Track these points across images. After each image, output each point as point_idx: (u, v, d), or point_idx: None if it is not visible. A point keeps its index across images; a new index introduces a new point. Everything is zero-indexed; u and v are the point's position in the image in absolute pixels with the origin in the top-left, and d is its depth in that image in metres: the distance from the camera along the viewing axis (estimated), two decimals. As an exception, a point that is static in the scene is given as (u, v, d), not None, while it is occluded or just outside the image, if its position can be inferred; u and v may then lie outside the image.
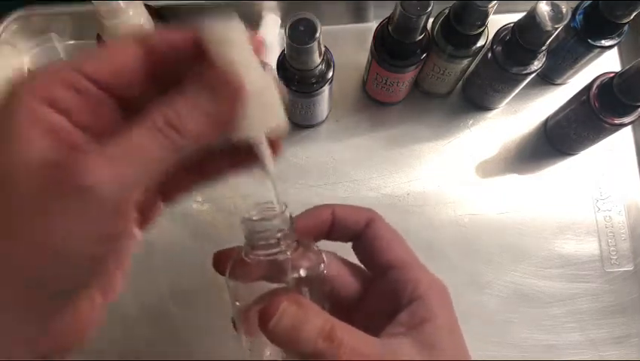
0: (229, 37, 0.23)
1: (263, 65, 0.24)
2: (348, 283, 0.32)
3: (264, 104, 0.23)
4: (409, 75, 0.48)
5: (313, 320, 0.25)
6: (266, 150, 0.24)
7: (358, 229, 0.31)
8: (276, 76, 0.45)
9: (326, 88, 0.45)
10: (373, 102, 0.55)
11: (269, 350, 0.29)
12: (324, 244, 0.32)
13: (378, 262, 0.31)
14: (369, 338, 0.26)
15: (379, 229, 0.31)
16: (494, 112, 0.56)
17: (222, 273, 0.29)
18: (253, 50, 0.23)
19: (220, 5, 0.54)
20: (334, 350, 0.25)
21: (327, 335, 0.25)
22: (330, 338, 0.25)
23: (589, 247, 0.53)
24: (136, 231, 0.24)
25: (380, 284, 0.30)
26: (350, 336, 0.25)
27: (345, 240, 0.33)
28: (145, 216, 0.25)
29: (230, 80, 0.21)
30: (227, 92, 0.21)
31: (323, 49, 0.41)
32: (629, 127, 0.54)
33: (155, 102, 0.20)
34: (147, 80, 0.22)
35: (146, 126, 0.20)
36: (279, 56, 0.44)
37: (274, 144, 0.25)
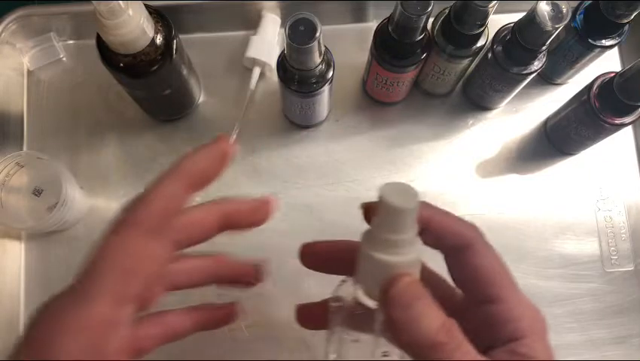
0: None
1: None
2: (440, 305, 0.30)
3: None
4: (409, 75, 0.48)
5: (436, 312, 0.24)
6: None
7: (456, 247, 0.28)
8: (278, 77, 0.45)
9: (326, 88, 0.45)
10: (373, 102, 0.55)
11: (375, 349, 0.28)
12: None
13: (476, 293, 0.28)
14: (478, 353, 0.25)
15: (482, 257, 0.28)
16: (494, 112, 0.56)
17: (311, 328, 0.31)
18: None
19: (220, 5, 0.54)
20: (452, 349, 0.24)
21: (449, 330, 0.24)
22: (451, 335, 0.24)
23: (590, 247, 0.53)
24: None
25: (475, 313, 0.28)
26: (466, 341, 0.24)
27: (436, 248, 0.30)
28: None
29: None
30: None
31: (323, 49, 0.41)
32: (630, 127, 0.54)
33: None
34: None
35: None
36: (279, 56, 0.44)
37: None
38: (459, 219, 0.29)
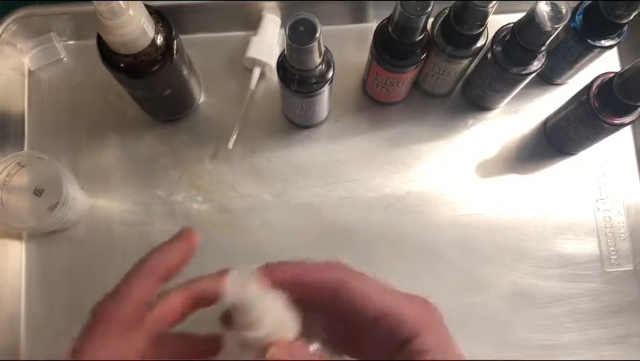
0: None
1: None
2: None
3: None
4: (409, 75, 0.48)
5: None
6: None
7: (329, 296, 0.30)
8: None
9: (326, 88, 0.45)
10: (373, 102, 0.55)
11: None
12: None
13: (363, 319, 0.29)
14: None
15: (354, 291, 0.30)
16: (494, 112, 0.56)
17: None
18: None
19: (220, 6, 0.54)
20: None
21: None
22: None
23: (589, 247, 0.53)
24: None
25: (372, 332, 0.30)
26: None
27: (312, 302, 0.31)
28: None
29: None
30: None
31: (323, 49, 0.41)
32: (629, 127, 0.54)
33: None
34: None
35: None
36: (279, 57, 0.44)
37: None
38: (319, 267, 0.31)
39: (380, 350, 0.30)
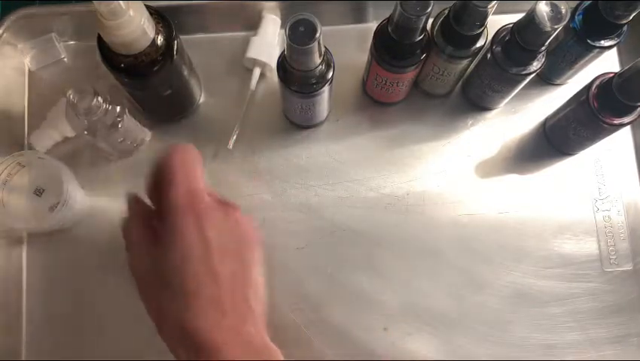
0: None
1: None
2: None
3: None
4: (409, 75, 0.48)
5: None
6: None
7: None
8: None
9: (326, 88, 0.45)
10: (373, 102, 0.55)
11: None
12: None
13: None
14: None
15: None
16: (493, 112, 0.56)
17: None
18: None
19: (220, 6, 0.54)
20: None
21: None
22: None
23: (589, 246, 0.53)
24: None
25: None
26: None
27: None
28: None
29: None
30: None
31: (323, 49, 0.41)
32: (628, 127, 0.54)
33: None
34: None
35: None
36: (279, 57, 0.45)
37: None
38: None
39: None
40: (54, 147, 0.52)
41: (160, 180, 0.34)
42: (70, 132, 0.51)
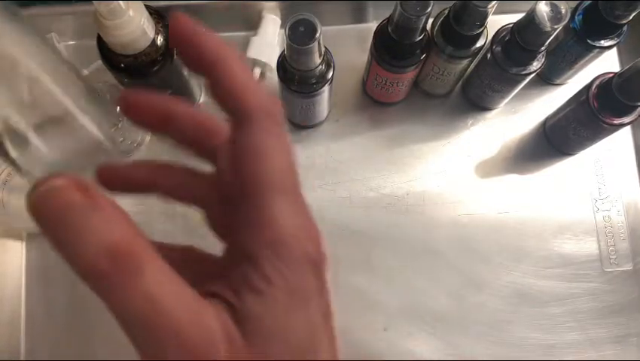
0: None
1: None
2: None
3: None
4: (409, 75, 0.48)
5: (105, 226, 0.17)
6: None
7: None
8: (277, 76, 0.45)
9: (326, 88, 0.45)
10: (373, 102, 0.55)
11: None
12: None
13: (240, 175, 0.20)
14: (180, 285, 0.17)
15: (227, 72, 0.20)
16: (493, 112, 0.56)
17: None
18: None
19: (220, 6, 0.54)
20: (121, 280, 0.17)
21: (118, 254, 0.17)
22: (122, 260, 0.16)
23: (589, 246, 0.53)
24: None
25: (240, 208, 0.20)
26: (153, 271, 0.17)
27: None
28: None
29: None
30: None
31: (323, 49, 0.41)
32: (628, 127, 0.54)
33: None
34: None
35: None
36: (279, 57, 0.45)
37: None
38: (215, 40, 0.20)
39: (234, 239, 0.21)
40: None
41: None
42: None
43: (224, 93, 0.20)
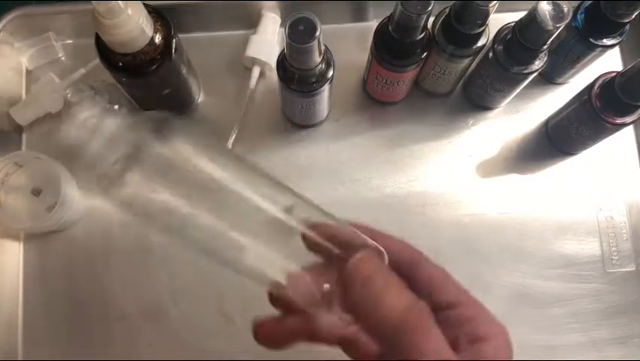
0: None
1: None
2: None
3: None
4: (409, 75, 0.47)
5: (402, 290, 0.23)
6: None
7: (408, 265, 0.29)
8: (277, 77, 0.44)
9: (326, 87, 0.45)
10: (373, 102, 0.55)
11: None
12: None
13: (432, 302, 0.27)
14: (448, 346, 0.23)
15: (432, 269, 0.29)
16: (495, 112, 0.55)
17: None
18: None
19: (219, 5, 0.54)
20: (420, 333, 0.21)
21: (419, 312, 0.22)
22: (420, 317, 0.22)
23: (591, 247, 0.53)
24: None
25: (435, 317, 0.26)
26: (437, 328, 0.22)
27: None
28: None
29: None
30: None
31: (323, 48, 0.41)
32: (631, 127, 0.54)
33: None
34: None
35: None
36: (279, 56, 0.44)
37: None
38: (404, 242, 0.29)
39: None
40: (52, 146, 0.52)
41: None
42: (52, 108, 0.52)
43: None
